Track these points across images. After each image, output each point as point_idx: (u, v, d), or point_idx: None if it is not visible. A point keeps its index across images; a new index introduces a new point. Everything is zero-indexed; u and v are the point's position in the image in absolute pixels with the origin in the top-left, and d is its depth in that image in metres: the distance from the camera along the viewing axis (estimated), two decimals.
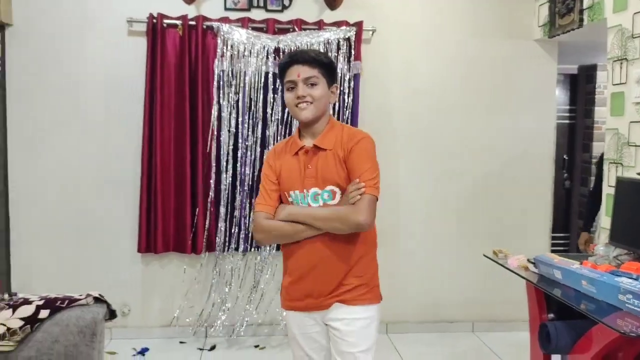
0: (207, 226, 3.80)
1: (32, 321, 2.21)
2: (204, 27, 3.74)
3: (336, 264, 2.00)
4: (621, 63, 3.10)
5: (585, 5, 3.45)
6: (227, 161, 3.78)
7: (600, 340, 2.19)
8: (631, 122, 3.02)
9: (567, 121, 5.34)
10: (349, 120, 3.82)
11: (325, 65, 2.02)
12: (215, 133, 3.76)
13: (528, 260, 2.63)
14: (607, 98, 3.26)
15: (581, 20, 3.48)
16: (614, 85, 3.18)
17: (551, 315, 2.62)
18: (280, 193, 2.09)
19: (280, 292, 2.17)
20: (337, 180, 1.99)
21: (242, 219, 3.83)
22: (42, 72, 3.77)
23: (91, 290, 2.40)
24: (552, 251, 3.84)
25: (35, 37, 3.76)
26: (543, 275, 2.49)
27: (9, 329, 2.17)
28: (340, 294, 2.01)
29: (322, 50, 3.50)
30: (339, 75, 3.74)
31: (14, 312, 2.21)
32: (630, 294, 2.00)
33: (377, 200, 1.97)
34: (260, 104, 3.79)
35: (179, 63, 3.75)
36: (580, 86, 5.30)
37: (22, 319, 2.19)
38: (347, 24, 3.84)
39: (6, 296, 2.33)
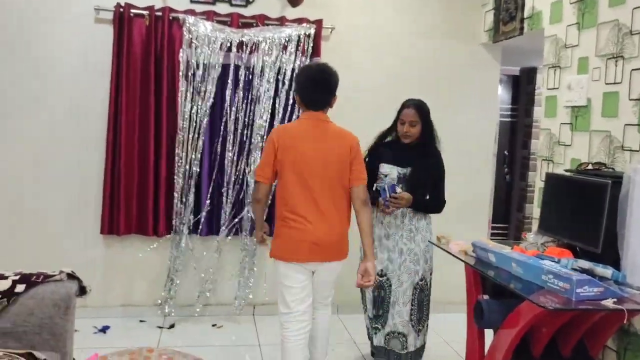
0: (174, 209, 3.94)
1: (8, 295, 2.34)
2: (170, 18, 3.87)
3: None
4: (555, 70, 3.43)
5: (526, 14, 3.76)
6: (190, 147, 3.92)
7: (526, 315, 2.49)
8: (562, 123, 3.35)
9: (509, 119, 5.67)
10: None
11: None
12: (180, 120, 3.90)
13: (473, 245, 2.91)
14: (542, 100, 3.60)
15: (522, 28, 3.80)
16: (548, 89, 3.51)
17: (486, 296, 2.92)
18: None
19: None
20: None
21: (205, 203, 4.01)
22: (9, 57, 3.81)
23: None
24: (492, 240, 4.14)
25: (4, 21, 3.79)
26: (480, 258, 2.79)
27: None
28: None
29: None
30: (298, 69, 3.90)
31: None
32: (552, 274, 2.31)
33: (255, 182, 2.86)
34: (221, 93, 3.96)
35: (145, 52, 3.87)
36: (522, 87, 5.65)
37: None
38: (307, 21, 4.04)
39: None
